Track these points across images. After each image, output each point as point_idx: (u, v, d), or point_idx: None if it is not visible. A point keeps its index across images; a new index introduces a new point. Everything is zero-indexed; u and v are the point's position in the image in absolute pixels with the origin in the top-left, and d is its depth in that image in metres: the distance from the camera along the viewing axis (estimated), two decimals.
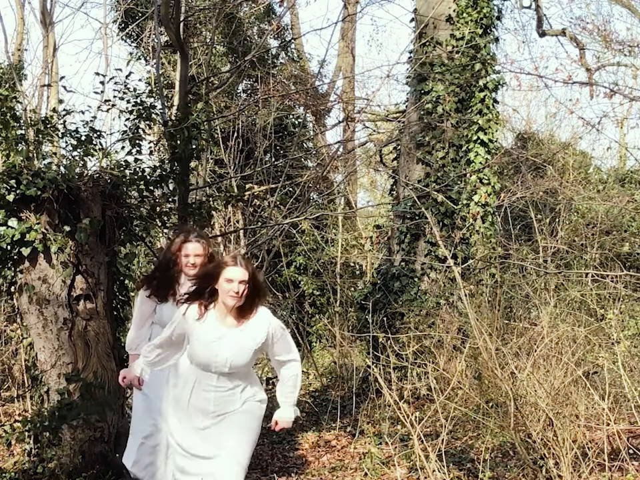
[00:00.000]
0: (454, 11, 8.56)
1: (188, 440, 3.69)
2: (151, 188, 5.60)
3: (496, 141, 8.78)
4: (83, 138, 5.28)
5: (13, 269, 4.85)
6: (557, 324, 5.58)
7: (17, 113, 5.32)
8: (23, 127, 5.27)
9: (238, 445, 3.64)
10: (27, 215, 4.72)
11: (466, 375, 5.96)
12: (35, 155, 5.19)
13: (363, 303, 8.37)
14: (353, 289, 10.63)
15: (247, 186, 7.32)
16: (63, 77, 5.88)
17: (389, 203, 9.84)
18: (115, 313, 5.28)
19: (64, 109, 5.45)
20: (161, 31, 8.57)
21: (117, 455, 4.82)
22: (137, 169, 5.48)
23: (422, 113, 8.47)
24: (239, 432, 3.68)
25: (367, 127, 12.71)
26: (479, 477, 4.61)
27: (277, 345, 3.71)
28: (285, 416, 3.83)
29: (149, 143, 6.57)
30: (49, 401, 4.85)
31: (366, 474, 5.14)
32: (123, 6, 12.45)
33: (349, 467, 5.42)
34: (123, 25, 12.94)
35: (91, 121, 5.42)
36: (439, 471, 4.30)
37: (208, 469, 3.61)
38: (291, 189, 11.24)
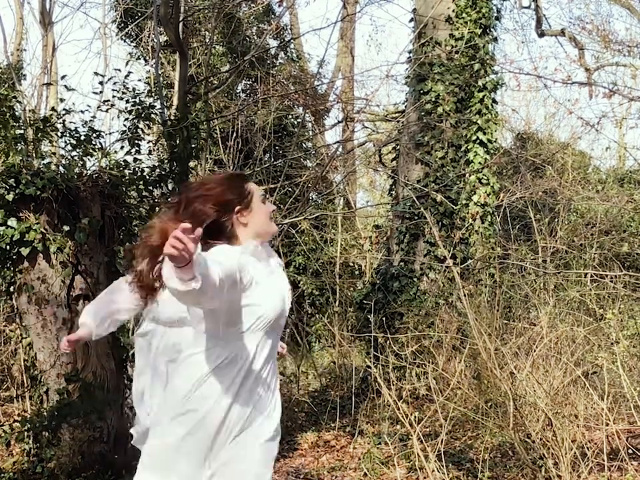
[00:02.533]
0: (453, 11, 8.56)
1: None
2: (150, 188, 5.60)
3: (495, 141, 8.78)
4: (82, 138, 5.27)
5: (12, 268, 4.85)
6: (556, 324, 5.58)
7: (16, 113, 5.32)
8: (22, 127, 5.27)
9: None
10: (26, 214, 4.72)
11: (465, 375, 5.96)
12: (34, 154, 5.18)
13: (363, 302, 8.37)
14: (352, 289, 10.63)
15: None
16: (64, 76, 5.87)
17: (388, 203, 9.84)
18: None
19: (63, 109, 5.45)
20: (160, 31, 8.57)
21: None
22: (136, 169, 5.48)
23: (421, 113, 8.47)
24: None
25: (366, 127, 12.71)
26: (478, 476, 4.61)
27: None
28: None
29: (148, 143, 6.57)
30: (48, 401, 4.85)
31: (365, 474, 5.14)
32: (122, 6, 12.45)
33: (348, 467, 5.42)
34: (122, 25, 12.95)
35: (90, 120, 5.42)
36: (438, 471, 4.30)
37: None
38: (290, 189, 11.24)
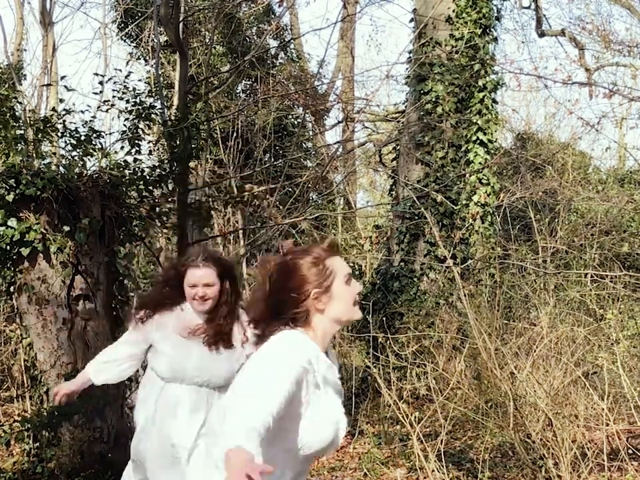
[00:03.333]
0: (453, 11, 8.56)
1: None
2: (150, 188, 5.60)
3: (495, 141, 8.79)
4: (83, 138, 5.27)
5: (12, 269, 4.85)
6: (556, 324, 5.58)
7: (17, 113, 5.32)
8: (23, 127, 5.27)
9: None
10: (27, 214, 4.72)
11: (465, 375, 5.96)
12: (34, 154, 5.18)
13: (363, 302, 8.36)
14: None
15: (247, 186, 7.32)
16: (64, 77, 5.88)
17: (389, 203, 9.84)
18: (114, 313, 5.27)
19: (63, 109, 5.45)
20: (161, 31, 8.57)
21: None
22: (136, 169, 5.48)
23: (421, 113, 8.47)
24: None
25: (367, 127, 12.72)
26: (478, 477, 4.61)
27: None
28: None
29: (148, 143, 6.57)
30: (48, 401, 4.85)
31: (365, 474, 5.14)
32: (122, 6, 12.45)
33: (349, 467, 5.42)
34: (122, 25, 12.96)
35: (91, 120, 5.42)
36: (438, 471, 4.30)
37: None
38: (290, 189, 11.24)
